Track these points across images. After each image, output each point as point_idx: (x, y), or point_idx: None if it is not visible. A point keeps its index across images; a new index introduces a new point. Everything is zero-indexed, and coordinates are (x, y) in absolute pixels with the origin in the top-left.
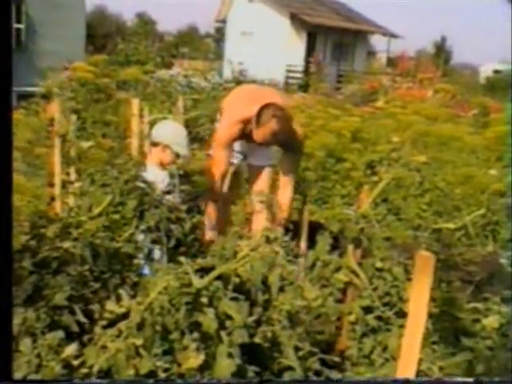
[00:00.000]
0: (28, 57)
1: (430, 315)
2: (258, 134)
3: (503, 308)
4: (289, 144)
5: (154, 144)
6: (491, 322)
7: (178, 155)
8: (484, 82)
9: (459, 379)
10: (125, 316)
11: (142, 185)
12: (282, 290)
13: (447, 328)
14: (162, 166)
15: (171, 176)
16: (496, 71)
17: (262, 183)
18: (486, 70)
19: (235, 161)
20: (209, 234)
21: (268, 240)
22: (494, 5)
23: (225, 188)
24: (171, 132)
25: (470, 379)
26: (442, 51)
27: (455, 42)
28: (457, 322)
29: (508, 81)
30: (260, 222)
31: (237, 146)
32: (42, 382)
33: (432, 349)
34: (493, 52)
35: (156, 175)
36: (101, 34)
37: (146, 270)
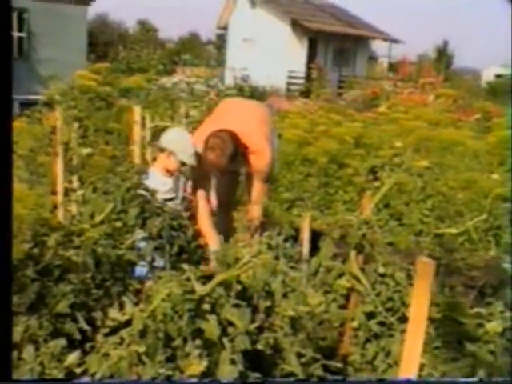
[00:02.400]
0: (30, 65)
1: (433, 320)
2: (203, 161)
3: (506, 313)
4: (248, 164)
5: (161, 150)
6: (494, 326)
7: (183, 163)
8: (486, 87)
9: (460, 380)
10: (127, 323)
11: (143, 192)
12: (284, 296)
13: (450, 333)
14: (168, 172)
15: (175, 183)
16: (498, 75)
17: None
18: (487, 75)
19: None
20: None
21: (270, 247)
22: (496, 9)
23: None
24: (178, 140)
25: (472, 379)
26: (443, 56)
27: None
28: (459, 327)
29: (509, 85)
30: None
31: None
32: (42, 382)
33: (434, 354)
34: (495, 56)
35: (159, 181)
36: (103, 42)
37: (140, 272)
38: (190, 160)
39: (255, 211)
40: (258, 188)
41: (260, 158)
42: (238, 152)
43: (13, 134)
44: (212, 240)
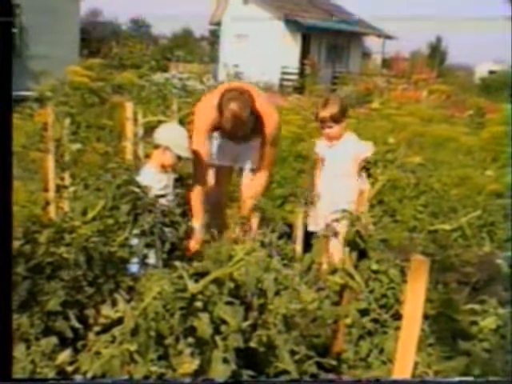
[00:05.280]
0: (22, 61)
1: (427, 317)
2: (224, 123)
3: (500, 310)
4: (258, 130)
5: (156, 146)
6: (488, 323)
7: (179, 157)
8: (479, 83)
9: (457, 379)
10: (119, 321)
11: (135, 189)
12: (277, 293)
13: (444, 329)
14: (163, 168)
15: (168, 179)
16: (491, 72)
17: (254, 187)
18: (481, 71)
19: (226, 164)
20: (194, 244)
21: (263, 244)
22: (489, 5)
23: (209, 179)
24: (173, 134)
25: (469, 379)
26: (436, 52)
27: (450, 43)
28: (454, 324)
29: (502, 81)
30: (254, 226)
31: (226, 149)
32: (41, 382)
33: (428, 352)
34: (488, 52)
35: (152, 178)
36: (95, 38)
37: (134, 269)
38: (186, 153)
39: (263, 177)
40: (269, 153)
41: (269, 119)
42: (254, 108)
43: None
44: (196, 216)
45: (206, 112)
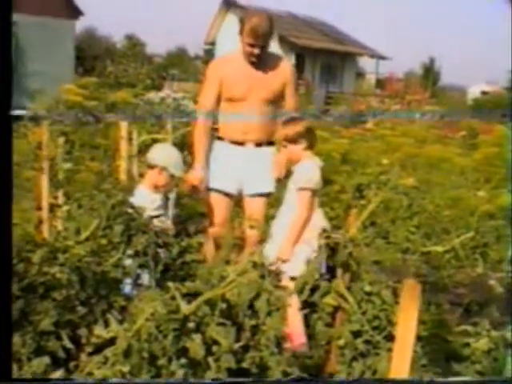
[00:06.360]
0: (17, 78)
1: (420, 338)
2: (244, 39)
3: (493, 332)
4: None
5: (150, 167)
6: (481, 345)
7: (172, 177)
8: (471, 103)
9: (457, 379)
10: (112, 341)
11: (129, 210)
12: (269, 314)
13: (437, 351)
14: (156, 188)
15: (164, 199)
16: (483, 92)
17: (256, 212)
18: (473, 92)
19: (231, 191)
20: (193, 180)
21: (255, 265)
22: (482, 26)
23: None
24: (168, 154)
25: (469, 379)
26: (430, 72)
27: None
28: (446, 345)
29: (495, 102)
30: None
31: (233, 171)
32: (41, 382)
33: (420, 374)
34: (480, 73)
35: (146, 199)
36: (91, 56)
37: (127, 289)
38: (180, 172)
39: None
40: (293, 98)
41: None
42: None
43: None
44: (197, 158)
45: (210, 84)
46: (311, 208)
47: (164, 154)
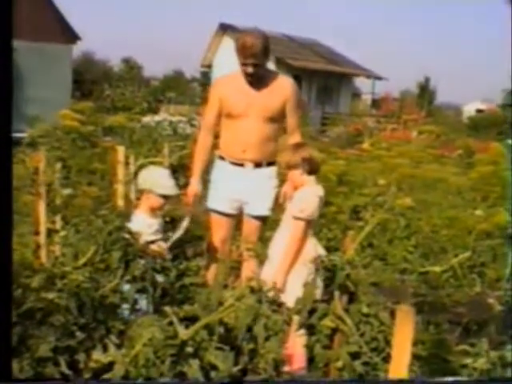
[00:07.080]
0: (14, 103)
1: (419, 358)
2: (238, 58)
3: (492, 352)
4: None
5: (141, 191)
6: (479, 364)
7: (165, 198)
8: (467, 122)
9: (456, 379)
10: (110, 366)
11: (126, 235)
12: (267, 338)
13: (436, 370)
14: (153, 211)
15: (161, 223)
16: (479, 110)
17: (253, 234)
18: (469, 110)
19: (231, 211)
20: (190, 194)
21: (252, 290)
22: (477, 45)
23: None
24: (153, 176)
25: (467, 379)
26: (425, 91)
27: (438, 82)
28: (445, 365)
29: (491, 120)
30: (249, 271)
31: (233, 193)
32: (42, 382)
33: None
34: (475, 91)
35: (143, 223)
36: (88, 80)
37: (125, 314)
38: (171, 191)
39: (297, 137)
40: (295, 116)
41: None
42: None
43: None
44: (194, 172)
45: (213, 102)
46: (304, 237)
47: (149, 176)
